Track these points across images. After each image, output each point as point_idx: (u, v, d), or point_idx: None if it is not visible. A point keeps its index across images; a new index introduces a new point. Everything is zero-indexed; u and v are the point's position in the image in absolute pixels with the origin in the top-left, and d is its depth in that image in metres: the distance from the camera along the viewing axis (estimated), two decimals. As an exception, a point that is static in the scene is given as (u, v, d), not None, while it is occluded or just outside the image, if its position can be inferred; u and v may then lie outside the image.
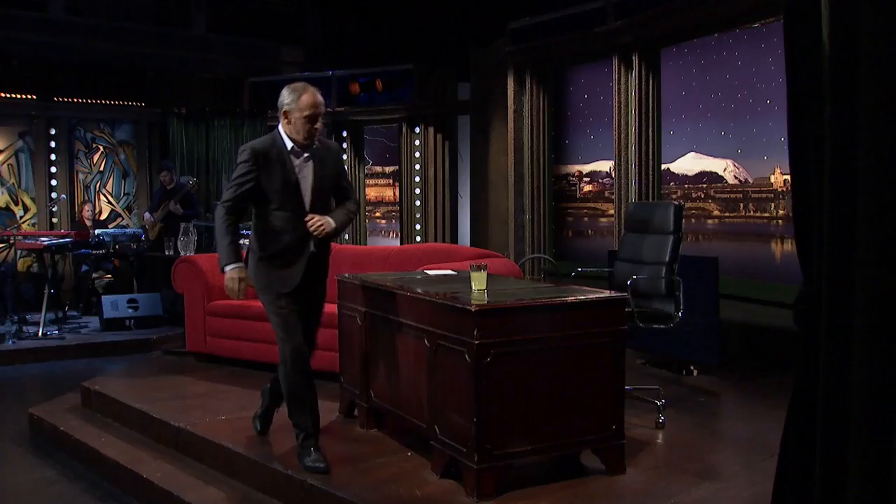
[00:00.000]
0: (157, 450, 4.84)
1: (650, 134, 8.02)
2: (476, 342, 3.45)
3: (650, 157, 8.04)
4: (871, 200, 2.29)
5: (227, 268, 4.06)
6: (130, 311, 9.08)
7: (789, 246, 6.66)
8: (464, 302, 3.58)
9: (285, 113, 4.08)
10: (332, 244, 7.33)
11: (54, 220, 11.31)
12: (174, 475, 4.44)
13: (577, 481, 3.77)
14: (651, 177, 8.05)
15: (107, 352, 8.35)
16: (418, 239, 11.60)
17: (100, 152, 11.90)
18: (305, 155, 4.13)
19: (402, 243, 11.59)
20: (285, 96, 4.09)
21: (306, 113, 4.05)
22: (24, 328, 8.71)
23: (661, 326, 4.82)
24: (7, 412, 6.29)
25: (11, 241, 9.41)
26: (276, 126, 4.19)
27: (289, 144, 4.11)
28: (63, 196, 11.09)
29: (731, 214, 7.33)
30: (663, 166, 8.04)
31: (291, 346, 4.06)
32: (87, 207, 10.90)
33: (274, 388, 4.43)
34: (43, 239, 9.23)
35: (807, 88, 2.52)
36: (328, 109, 12.16)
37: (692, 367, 5.98)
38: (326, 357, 5.45)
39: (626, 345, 3.90)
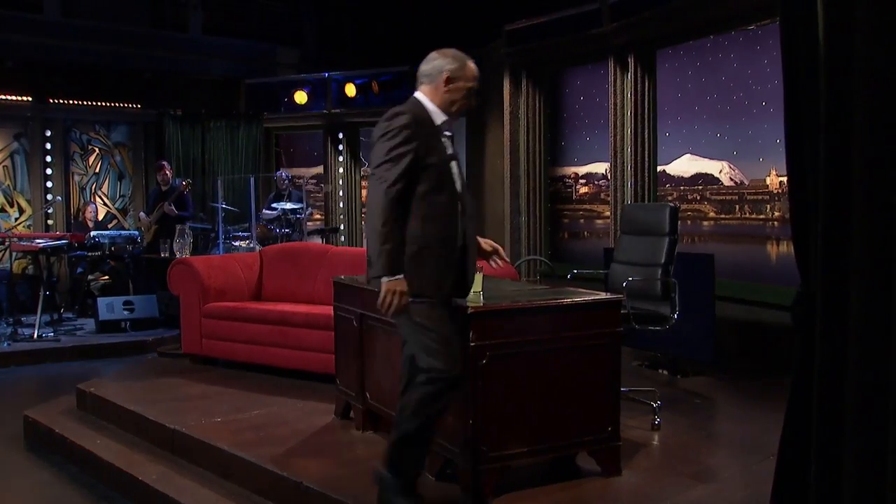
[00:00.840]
0: (153, 452, 4.83)
1: (646, 136, 8.03)
2: (472, 344, 3.45)
3: (646, 158, 8.04)
4: (866, 201, 2.30)
5: (387, 279, 3.21)
6: (126, 313, 9.07)
7: (785, 248, 6.67)
8: (459, 304, 3.58)
9: (448, 79, 3.38)
10: (329, 245, 7.44)
11: (50, 221, 11.28)
12: (169, 477, 4.43)
13: (572, 483, 3.77)
14: (647, 178, 8.05)
15: (102, 354, 8.33)
16: (414, 241, 11.56)
17: (95, 154, 11.88)
18: (449, 133, 3.44)
19: (398, 245, 11.55)
20: (446, 61, 3.40)
21: (471, 84, 3.44)
22: (20, 330, 8.69)
23: (657, 328, 4.83)
24: (2, 414, 6.27)
25: (6, 243, 9.38)
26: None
27: (439, 118, 3.40)
28: (59, 198, 11.07)
29: (727, 216, 7.34)
30: (659, 168, 8.05)
31: (453, 377, 3.26)
32: (90, 209, 10.90)
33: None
34: (38, 241, 9.21)
35: (803, 89, 2.52)
36: (324, 111, 12.18)
37: (688, 369, 5.98)
38: (322, 359, 5.45)
39: (622, 344, 3.91)
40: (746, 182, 7.10)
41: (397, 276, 3.21)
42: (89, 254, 9.70)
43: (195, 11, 12.51)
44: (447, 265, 3.33)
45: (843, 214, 2.36)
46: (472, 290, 3.83)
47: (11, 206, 11.16)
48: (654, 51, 7.99)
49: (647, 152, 8.04)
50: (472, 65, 3.45)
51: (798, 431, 2.58)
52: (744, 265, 7.03)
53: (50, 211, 11.21)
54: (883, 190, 2.27)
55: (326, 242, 10.72)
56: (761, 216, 6.95)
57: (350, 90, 11.99)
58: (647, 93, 8.02)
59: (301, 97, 12.22)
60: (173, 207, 9.70)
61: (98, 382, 6.10)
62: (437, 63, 3.42)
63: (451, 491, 3.63)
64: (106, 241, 9.69)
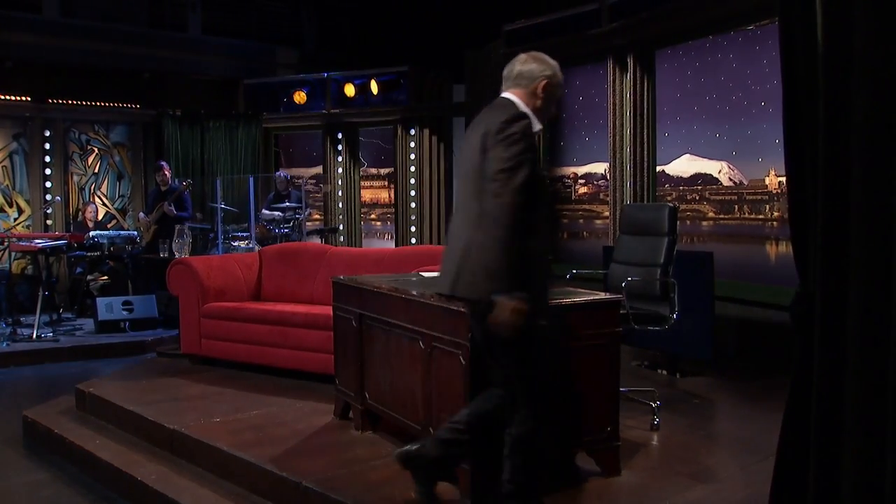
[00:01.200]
0: (152, 452, 4.83)
1: (645, 136, 8.03)
2: (471, 344, 3.45)
3: (645, 158, 8.04)
4: (866, 201, 2.30)
5: (510, 298, 2.97)
6: (125, 313, 9.07)
7: (784, 248, 6.67)
8: (458, 304, 3.58)
9: (546, 86, 3.23)
10: (328, 246, 7.35)
11: (49, 221, 11.28)
12: (168, 477, 4.43)
13: (572, 483, 3.77)
14: (646, 179, 8.05)
15: (101, 354, 8.33)
16: (413, 241, 11.60)
17: (94, 154, 11.88)
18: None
19: (397, 245, 11.59)
20: (542, 67, 3.26)
21: (560, 93, 3.33)
22: (19, 330, 8.69)
23: (656, 328, 4.83)
24: (1, 415, 6.27)
25: (6, 244, 9.38)
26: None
27: (536, 125, 3.17)
28: (58, 198, 11.07)
29: (726, 216, 7.34)
30: (658, 168, 8.05)
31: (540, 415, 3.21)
32: (91, 208, 10.92)
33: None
34: (37, 241, 9.21)
35: (802, 89, 2.52)
36: (323, 111, 12.18)
37: (687, 369, 5.98)
38: (321, 359, 5.46)
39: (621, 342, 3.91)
40: (745, 182, 7.10)
41: (521, 294, 2.98)
42: (88, 254, 9.69)
43: (194, 11, 12.51)
44: (546, 279, 3.23)
45: (843, 214, 2.36)
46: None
47: (10, 206, 11.15)
48: (653, 51, 7.99)
49: (646, 152, 8.04)
50: (560, 73, 3.33)
51: (797, 432, 2.58)
52: (743, 265, 7.04)
53: (49, 211, 11.21)
54: (882, 190, 2.27)
55: (325, 242, 10.73)
56: (760, 216, 6.96)
57: (349, 90, 11.99)
58: (646, 93, 8.03)
59: (300, 97, 12.22)
60: (172, 208, 9.71)
61: (97, 383, 6.09)
62: (533, 67, 3.24)
63: (451, 491, 3.63)
64: (105, 241, 9.69)
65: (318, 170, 12.63)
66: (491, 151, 3.03)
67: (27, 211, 11.22)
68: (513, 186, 2.95)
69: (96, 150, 11.89)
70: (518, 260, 2.99)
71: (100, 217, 11.33)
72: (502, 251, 2.96)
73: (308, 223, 11.14)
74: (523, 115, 3.10)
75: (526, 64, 3.26)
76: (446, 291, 3.22)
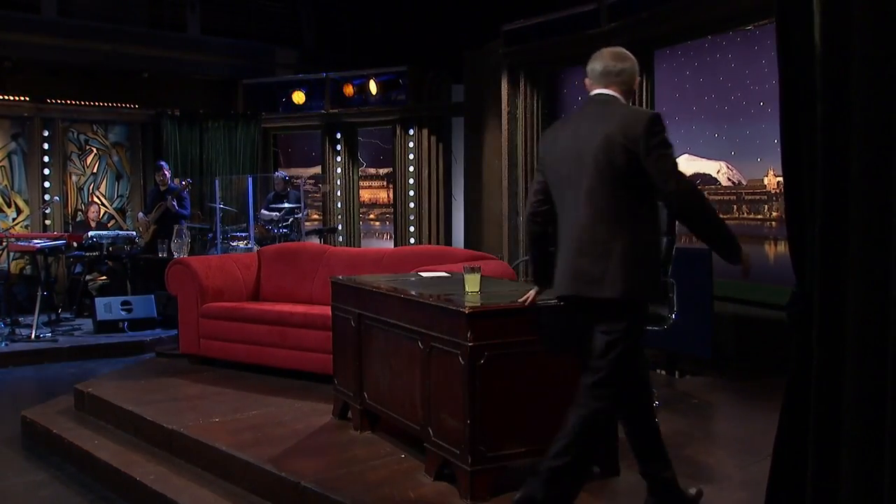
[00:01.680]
0: (151, 452, 4.83)
1: (644, 136, 8.02)
2: (470, 344, 3.45)
3: (644, 158, 8.03)
4: (864, 202, 2.30)
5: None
6: (124, 313, 9.06)
7: (783, 248, 6.67)
8: (457, 304, 3.58)
9: (638, 82, 3.31)
10: (327, 246, 7.29)
11: (47, 221, 11.27)
12: (167, 478, 4.44)
13: (570, 483, 3.77)
14: (645, 179, 8.03)
15: (100, 354, 8.33)
16: (412, 241, 11.59)
17: (93, 154, 11.88)
18: None
19: (395, 245, 11.58)
20: (633, 64, 3.27)
21: None
22: (17, 330, 8.69)
23: (655, 328, 4.83)
24: (0, 415, 6.27)
25: (4, 244, 9.37)
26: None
27: None
28: (57, 198, 11.06)
29: (725, 216, 7.33)
30: (657, 168, 8.03)
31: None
32: (94, 208, 10.93)
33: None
34: (36, 241, 9.20)
35: (799, 90, 2.52)
36: (322, 111, 12.18)
37: (686, 369, 5.98)
38: (320, 359, 5.45)
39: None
40: (744, 182, 7.10)
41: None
42: (87, 254, 9.69)
43: (193, 11, 12.50)
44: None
45: (841, 214, 2.36)
46: (469, 290, 3.85)
47: (9, 206, 11.15)
48: (652, 51, 7.98)
49: (644, 152, 8.02)
50: None
51: (793, 432, 2.58)
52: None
53: (48, 211, 11.20)
54: (881, 190, 2.27)
55: (324, 242, 10.72)
56: (759, 216, 6.96)
57: (348, 90, 11.98)
58: (645, 93, 8.02)
59: (299, 97, 12.22)
60: (175, 202, 9.73)
61: (96, 383, 6.10)
62: (629, 65, 3.25)
63: (450, 491, 3.63)
64: (104, 241, 9.69)
65: (317, 170, 12.62)
66: (652, 157, 3.05)
67: (25, 211, 11.21)
68: (688, 179, 3.19)
69: (95, 150, 11.89)
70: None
71: (100, 217, 11.33)
72: (722, 225, 3.33)
73: (307, 223, 11.14)
74: (659, 116, 3.11)
75: (623, 61, 3.25)
76: (614, 294, 3.12)
